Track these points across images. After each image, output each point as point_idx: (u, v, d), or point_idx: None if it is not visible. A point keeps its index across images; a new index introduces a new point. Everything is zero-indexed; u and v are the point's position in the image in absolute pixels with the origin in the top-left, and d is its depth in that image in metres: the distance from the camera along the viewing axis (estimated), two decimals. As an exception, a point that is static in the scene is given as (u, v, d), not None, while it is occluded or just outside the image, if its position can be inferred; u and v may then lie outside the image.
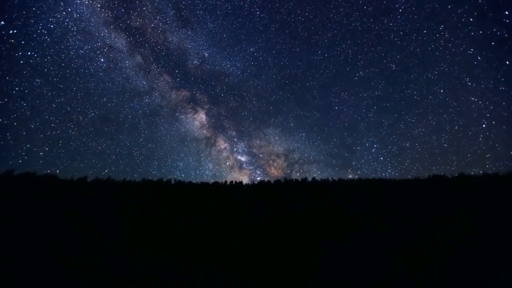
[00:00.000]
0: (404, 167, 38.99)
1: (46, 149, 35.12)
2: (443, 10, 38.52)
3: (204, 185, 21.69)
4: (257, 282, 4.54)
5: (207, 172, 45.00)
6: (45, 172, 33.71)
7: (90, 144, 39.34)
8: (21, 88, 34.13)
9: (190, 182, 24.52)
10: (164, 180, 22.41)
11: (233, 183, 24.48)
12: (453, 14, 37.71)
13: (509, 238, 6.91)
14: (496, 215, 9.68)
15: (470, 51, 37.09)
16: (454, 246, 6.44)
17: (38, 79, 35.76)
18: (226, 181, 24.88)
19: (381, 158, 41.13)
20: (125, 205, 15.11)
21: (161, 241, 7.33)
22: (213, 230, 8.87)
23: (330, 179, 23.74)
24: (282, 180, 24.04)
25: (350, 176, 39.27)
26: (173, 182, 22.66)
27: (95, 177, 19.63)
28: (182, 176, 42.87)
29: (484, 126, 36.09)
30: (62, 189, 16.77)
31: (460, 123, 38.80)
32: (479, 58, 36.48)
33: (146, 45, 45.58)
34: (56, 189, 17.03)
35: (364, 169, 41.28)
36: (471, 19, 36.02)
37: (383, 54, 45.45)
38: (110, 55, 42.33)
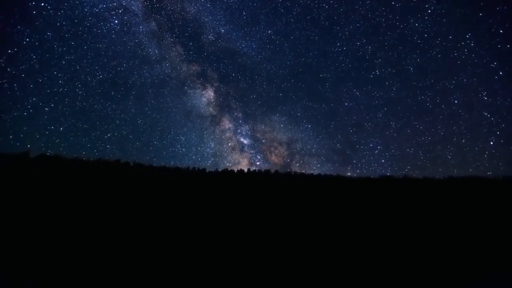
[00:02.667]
0: (404, 172, 40.26)
1: (52, 105, 34.76)
2: (473, 16, 37.19)
3: (164, 169, 21.25)
4: (256, 282, 4.61)
5: (208, 150, 45.19)
6: (48, 128, 33.35)
7: (95, 106, 38.97)
8: (32, 40, 34.07)
9: (150, 165, 23.82)
10: (122, 161, 21.48)
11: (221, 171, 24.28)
12: (482, 23, 36.32)
13: (508, 239, 7.54)
14: (494, 217, 10.54)
15: (493, 64, 36.15)
16: (453, 247, 6.87)
17: (49, 32, 35.16)
18: (201, 168, 24.61)
19: (383, 161, 41.99)
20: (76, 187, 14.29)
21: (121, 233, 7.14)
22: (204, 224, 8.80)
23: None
24: (282, 172, 24.14)
25: (349, 174, 40.78)
26: (132, 164, 21.82)
27: (39, 153, 18.12)
28: (183, 151, 43.10)
29: (491, 143, 35.51)
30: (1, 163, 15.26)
31: (468, 136, 38.09)
32: (500, 73, 35.56)
33: (163, 12, 43.29)
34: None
35: (364, 169, 42.34)
36: (501, 31, 34.85)
37: (403, 55, 44.24)
38: (125, 18, 40.54)
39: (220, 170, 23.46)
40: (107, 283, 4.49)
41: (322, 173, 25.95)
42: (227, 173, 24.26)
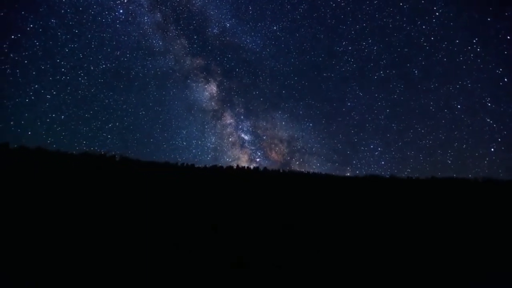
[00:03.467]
0: (403, 175, 40.17)
1: (54, 93, 34.47)
2: (481, 21, 36.02)
3: (151, 164, 20.96)
4: (254, 282, 4.58)
5: (209, 144, 44.92)
6: (50, 115, 32.54)
7: (97, 95, 38.56)
8: (36, 26, 33.56)
9: (138, 159, 23.43)
10: (108, 155, 21.04)
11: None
12: (490, 28, 35.20)
13: (504, 240, 7.67)
14: (489, 219, 10.76)
15: (499, 70, 35.05)
16: (451, 247, 6.94)
17: (53, 19, 34.70)
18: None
19: (382, 162, 41.51)
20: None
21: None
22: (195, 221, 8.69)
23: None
24: (281, 170, 24.03)
25: (348, 174, 40.84)
26: (117, 159, 21.41)
27: (20, 145, 17.52)
28: (183, 144, 42.74)
29: (492, 150, 35.01)
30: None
31: (470, 142, 37.50)
32: (505, 79, 34.61)
33: (168, 3, 42.39)
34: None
35: (363, 170, 42.13)
36: (508, 37, 34.01)
37: (408, 57, 42.94)
38: (130, 8, 39.83)
39: (208, 166, 23.36)
40: (87, 280, 4.41)
41: (311, 172, 26.24)
42: (216, 169, 24.18)
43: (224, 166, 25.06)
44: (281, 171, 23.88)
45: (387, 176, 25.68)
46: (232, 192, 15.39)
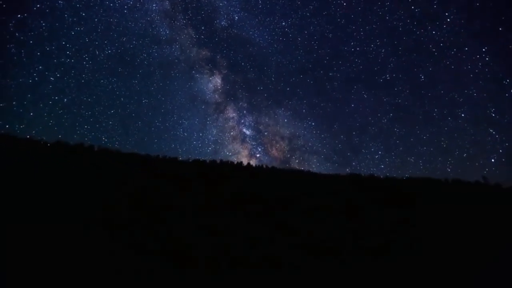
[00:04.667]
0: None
1: (58, 75, 32.79)
2: (492, 30, 35.75)
3: (132, 156, 20.29)
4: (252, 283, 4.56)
5: (210, 137, 43.88)
6: (52, 98, 29.54)
7: (101, 81, 36.85)
8: (43, 7, 31.30)
9: (118, 151, 22.56)
10: (85, 145, 20.07)
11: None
12: (501, 38, 35.02)
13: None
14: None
15: (506, 81, 35.36)
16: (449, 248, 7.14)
17: (61, 1, 32.36)
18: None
19: (382, 166, 41.17)
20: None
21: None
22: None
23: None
24: (264, 166, 23.69)
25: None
26: (96, 149, 20.51)
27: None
28: (184, 135, 41.14)
29: (493, 160, 35.88)
30: None
31: (470, 152, 37.98)
32: None
33: None
34: None
35: (362, 172, 42.36)
36: None
37: (415, 62, 42.74)
38: None
39: (191, 160, 23.03)
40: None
41: (305, 170, 26.64)
42: (199, 163, 23.89)
43: (208, 160, 24.82)
44: (264, 166, 24.06)
45: (366, 175, 26.79)
46: (215, 188, 15.34)
